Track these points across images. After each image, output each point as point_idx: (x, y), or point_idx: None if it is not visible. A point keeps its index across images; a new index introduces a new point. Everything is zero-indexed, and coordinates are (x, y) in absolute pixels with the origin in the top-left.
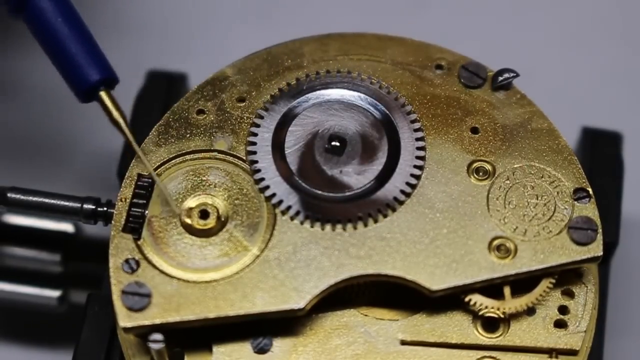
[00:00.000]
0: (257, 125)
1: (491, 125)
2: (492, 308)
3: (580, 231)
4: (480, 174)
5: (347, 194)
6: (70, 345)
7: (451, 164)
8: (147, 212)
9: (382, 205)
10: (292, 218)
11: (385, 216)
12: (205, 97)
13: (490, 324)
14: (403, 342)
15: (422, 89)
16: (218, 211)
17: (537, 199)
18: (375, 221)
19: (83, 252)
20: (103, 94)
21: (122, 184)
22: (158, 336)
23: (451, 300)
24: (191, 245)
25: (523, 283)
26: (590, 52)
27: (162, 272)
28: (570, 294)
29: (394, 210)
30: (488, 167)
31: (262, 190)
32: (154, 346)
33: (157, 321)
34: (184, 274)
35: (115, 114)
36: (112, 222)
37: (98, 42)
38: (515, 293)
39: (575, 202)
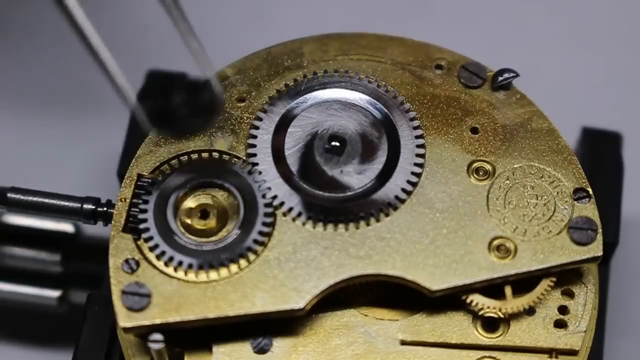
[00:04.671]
0: (256, 127)
1: (491, 125)
2: (492, 308)
3: (580, 231)
4: (480, 174)
5: (349, 193)
6: (70, 345)
7: (451, 164)
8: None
9: (383, 204)
10: (294, 219)
11: (386, 215)
12: None
13: (490, 324)
14: (403, 342)
15: (422, 89)
16: (218, 211)
17: (537, 199)
18: (377, 220)
19: (83, 252)
20: None
21: (122, 184)
22: (158, 336)
23: (451, 300)
24: None
25: (523, 283)
26: (590, 52)
27: (162, 272)
28: (570, 294)
29: (395, 209)
30: (488, 167)
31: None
32: (154, 346)
33: (157, 321)
34: (184, 274)
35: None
36: (112, 222)
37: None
38: (516, 293)
39: (575, 202)
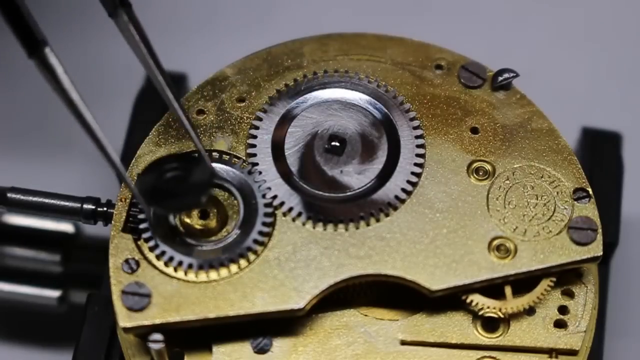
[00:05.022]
0: (256, 127)
1: (491, 125)
2: (492, 308)
3: (580, 231)
4: (480, 174)
5: (349, 193)
6: (70, 345)
7: (451, 164)
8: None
9: (383, 204)
10: (294, 219)
11: (386, 215)
12: (205, 97)
13: (490, 324)
14: (403, 342)
15: (422, 89)
16: (218, 211)
17: (537, 199)
18: (377, 220)
19: (83, 252)
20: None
21: (122, 184)
22: (158, 336)
23: (451, 300)
24: None
25: (523, 283)
26: (590, 52)
27: (162, 272)
28: (570, 294)
29: (395, 209)
30: (488, 167)
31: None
32: (154, 346)
33: (157, 321)
34: (184, 274)
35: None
36: (112, 222)
37: (100, 42)
38: (516, 293)
39: (575, 202)
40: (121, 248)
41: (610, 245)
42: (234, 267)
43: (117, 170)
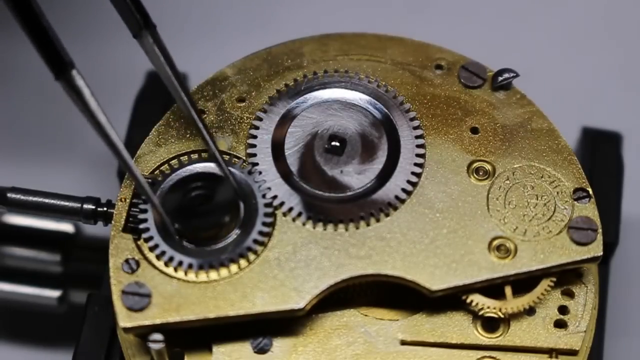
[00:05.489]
0: (256, 127)
1: (491, 125)
2: (492, 308)
3: (580, 231)
4: (480, 174)
5: (349, 193)
6: (70, 345)
7: (451, 164)
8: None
9: (383, 204)
10: (294, 219)
11: (386, 215)
12: (205, 97)
13: (490, 324)
14: (403, 342)
15: (422, 89)
16: None
17: (537, 199)
18: (377, 220)
19: (83, 252)
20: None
21: (122, 184)
22: (158, 336)
23: (451, 300)
24: None
25: (523, 283)
26: (590, 52)
27: (162, 272)
28: (570, 294)
29: (395, 209)
30: (488, 167)
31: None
32: (154, 346)
33: (157, 321)
34: (184, 274)
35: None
36: (112, 222)
37: (99, 42)
38: (516, 293)
39: (575, 202)
40: (121, 248)
41: (610, 245)
42: (234, 267)
43: (146, 193)
